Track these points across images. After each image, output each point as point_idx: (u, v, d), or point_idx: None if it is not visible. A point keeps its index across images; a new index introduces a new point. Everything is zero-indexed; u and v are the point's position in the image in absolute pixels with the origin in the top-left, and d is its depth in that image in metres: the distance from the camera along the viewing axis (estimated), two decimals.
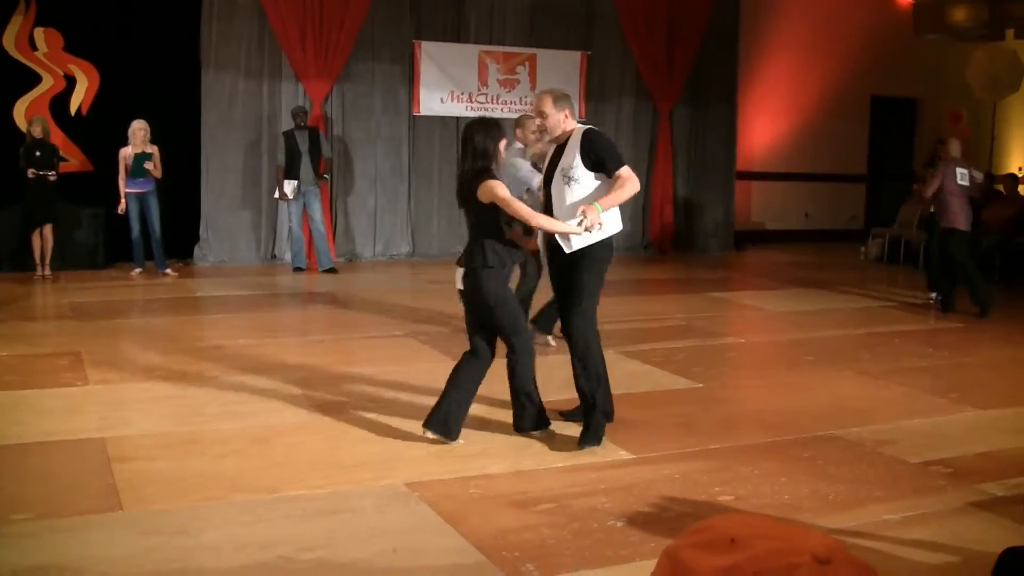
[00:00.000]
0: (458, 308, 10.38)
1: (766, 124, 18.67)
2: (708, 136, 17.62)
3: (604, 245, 6.21)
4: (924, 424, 7.01)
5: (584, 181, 6.07)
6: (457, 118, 15.74)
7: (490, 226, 6.06)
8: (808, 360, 9.06)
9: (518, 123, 9.32)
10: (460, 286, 6.19)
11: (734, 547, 1.11)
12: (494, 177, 5.99)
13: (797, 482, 5.72)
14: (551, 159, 6.32)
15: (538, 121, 6.26)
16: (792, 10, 18.39)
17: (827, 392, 7.96)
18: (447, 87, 15.61)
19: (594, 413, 6.27)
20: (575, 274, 6.20)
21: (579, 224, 5.88)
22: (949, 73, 18.20)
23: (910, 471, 5.98)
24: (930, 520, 5.19)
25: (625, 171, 6.08)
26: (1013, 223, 14.33)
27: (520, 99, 15.98)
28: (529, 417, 6.37)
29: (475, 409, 6.97)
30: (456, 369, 6.38)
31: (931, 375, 8.49)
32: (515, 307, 6.27)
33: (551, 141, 6.34)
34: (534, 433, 6.38)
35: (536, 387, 6.36)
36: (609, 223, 6.14)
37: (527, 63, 16.04)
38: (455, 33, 15.69)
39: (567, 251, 6.14)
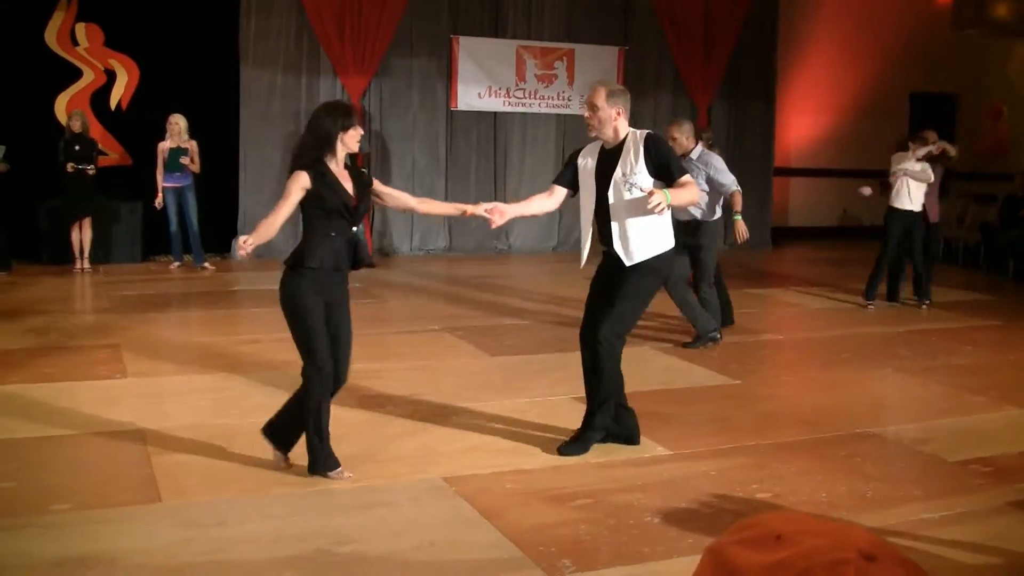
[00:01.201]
0: (494, 301, 10.39)
1: (804, 120, 18.56)
2: (746, 132, 17.55)
3: (661, 257, 5.91)
4: (963, 422, 6.96)
5: (645, 187, 5.72)
6: (495, 113, 15.76)
7: (310, 219, 5.46)
8: (846, 357, 9.01)
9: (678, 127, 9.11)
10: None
11: (780, 544, 1.10)
12: (306, 167, 5.38)
13: (834, 480, 5.69)
14: (602, 163, 5.95)
15: (587, 113, 5.91)
16: (830, 6, 18.27)
17: (865, 389, 7.91)
18: (485, 82, 15.61)
19: (591, 425, 6.01)
20: (623, 280, 5.85)
21: (649, 205, 5.50)
22: (989, 69, 18.04)
23: (948, 470, 5.94)
24: (969, 519, 5.16)
25: (688, 179, 5.82)
26: None
27: (558, 94, 15.97)
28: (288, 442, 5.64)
29: (510, 404, 6.99)
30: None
31: (970, 373, 8.42)
32: (314, 323, 5.42)
33: (598, 138, 5.98)
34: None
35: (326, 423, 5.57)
36: (663, 239, 5.90)
37: (565, 58, 16.02)
38: (493, 28, 15.68)
39: (627, 263, 5.83)
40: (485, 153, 15.77)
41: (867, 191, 11.26)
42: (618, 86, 6.05)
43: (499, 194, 15.62)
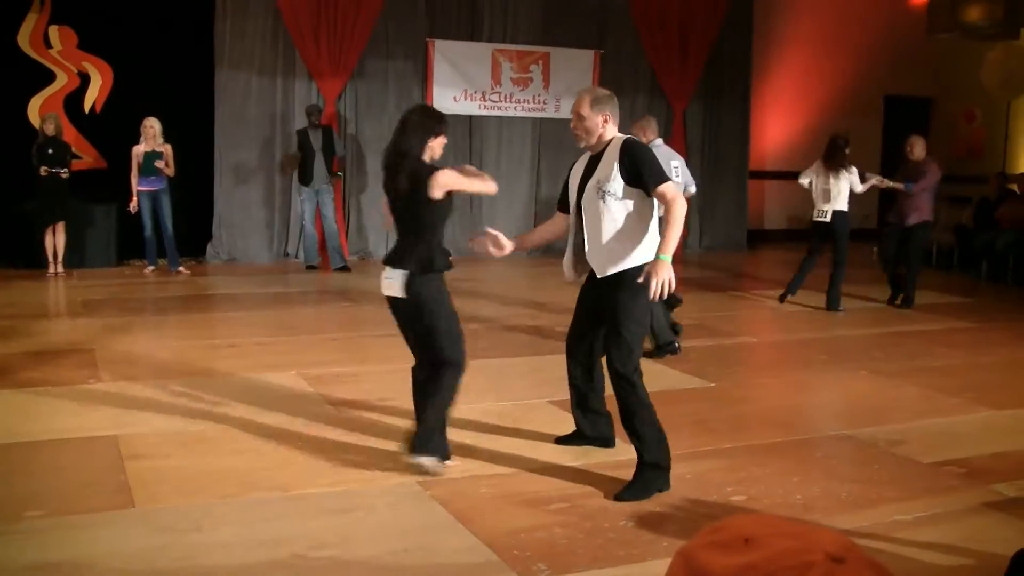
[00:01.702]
0: (469, 305, 10.34)
1: (779, 123, 18.63)
2: (721, 135, 17.61)
3: (644, 270, 5.40)
4: (938, 424, 6.99)
5: (621, 196, 5.43)
6: (470, 116, 15.76)
7: (434, 223, 5.62)
8: (821, 359, 9.05)
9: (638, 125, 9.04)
10: (400, 293, 5.60)
11: (748, 546, 1.10)
12: (437, 168, 5.53)
13: (809, 482, 5.70)
14: (584, 171, 5.67)
15: (573, 123, 5.60)
16: (806, 9, 18.35)
17: (840, 392, 7.95)
18: (460, 85, 15.60)
19: (642, 466, 5.50)
20: (613, 299, 5.50)
21: (646, 288, 5.19)
22: (963, 72, 18.14)
23: (923, 471, 5.96)
24: (943, 521, 5.18)
25: (668, 189, 5.35)
26: None
27: (534, 97, 15.97)
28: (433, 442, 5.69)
29: (485, 408, 6.98)
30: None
31: (945, 375, 8.46)
32: (454, 317, 5.66)
33: (587, 148, 5.69)
34: (424, 461, 5.62)
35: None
36: (644, 252, 5.46)
37: (540, 61, 16.03)
38: (469, 31, 15.68)
39: (599, 275, 5.56)
40: (461, 156, 15.73)
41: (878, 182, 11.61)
42: (604, 92, 5.67)
43: (474, 197, 15.65)
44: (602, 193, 5.47)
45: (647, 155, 5.50)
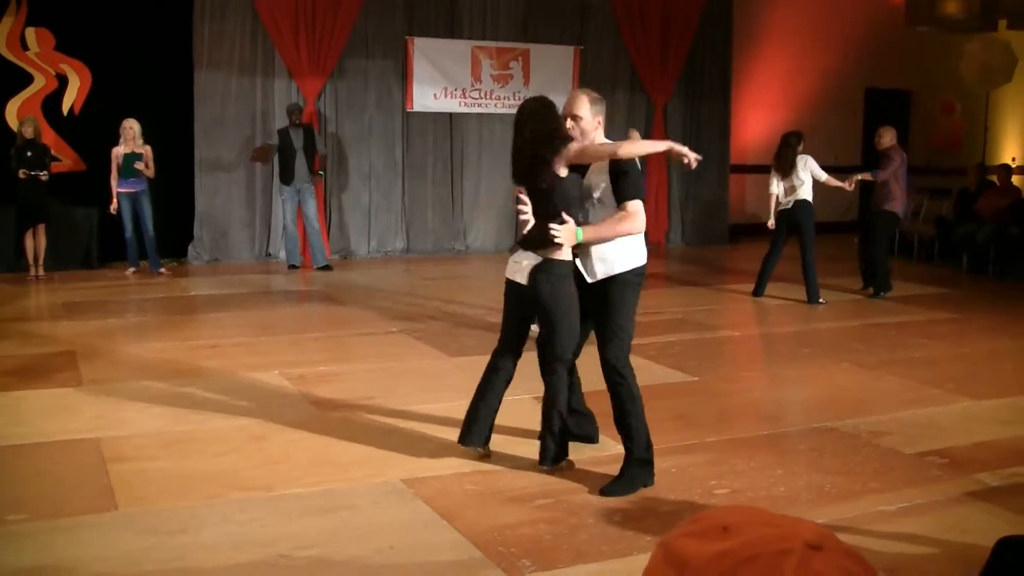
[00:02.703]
0: (453, 302, 10.32)
1: (760, 117, 18.65)
2: (702, 129, 17.62)
3: (634, 271, 5.52)
4: (920, 415, 7.02)
5: (609, 204, 5.44)
6: (450, 114, 15.74)
7: (573, 210, 5.51)
8: (804, 352, 9.07)
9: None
10: (524, 280, 5.60)
11: (727, 534, 1.11)
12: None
13: (793, 474, 5.72)
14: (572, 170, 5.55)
15: (568, 124, 5.46)
16: (785, 3, 18.38)
17: (823, 384, 7.97)
18: (440, 83, 15.58)
19: (630, 460, 5.52)
20: (604, 298, 5.51)
21: (551, 234, 5.33)
22: (942, 65, 18.21)
23: (906, 462, 5.99)
24: (925, 511, 5.21)
25: (633, 205, 5.36)
26: (1007, 214, 14.34)
27: (514, 94, 15.95)
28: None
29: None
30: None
31: (927, 366, 8.50)
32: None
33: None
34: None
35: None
36: (632, 255, 5.50)
37: (520, 58, 16.02)
38: (448, 29, 15.66)
39: (589, 280, 5.54)
40: (442, 154, 15.75)
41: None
42: (595, 94, 5.61)
43: (456, 195, 15.68)
44: (591, 200, 5.48)
45: (634, 167, 5.44)
